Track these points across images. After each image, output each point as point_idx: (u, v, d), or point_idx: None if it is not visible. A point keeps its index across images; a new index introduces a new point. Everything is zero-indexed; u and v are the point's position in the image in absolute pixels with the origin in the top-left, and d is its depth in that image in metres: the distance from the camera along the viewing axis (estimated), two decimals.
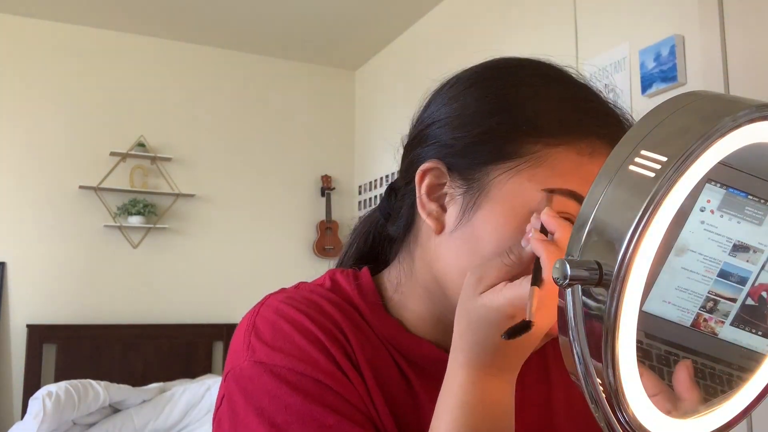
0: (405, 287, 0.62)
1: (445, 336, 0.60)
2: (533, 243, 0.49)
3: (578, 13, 2.54)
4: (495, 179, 0.54)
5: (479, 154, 0.55)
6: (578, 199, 0.52)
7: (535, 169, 0.53)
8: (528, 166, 0.53)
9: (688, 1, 2.05)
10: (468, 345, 0.51)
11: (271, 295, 0.61)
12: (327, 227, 4.28)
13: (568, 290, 0.40)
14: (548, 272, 0.46)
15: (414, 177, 0.58)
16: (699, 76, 2.00)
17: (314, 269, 4.24)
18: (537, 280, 0.47)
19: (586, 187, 0.51)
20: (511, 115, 0.55)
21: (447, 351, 0.59)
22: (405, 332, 0.60)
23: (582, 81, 0.60)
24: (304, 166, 4.31)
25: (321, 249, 4.26)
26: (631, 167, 0.40)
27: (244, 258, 4.08)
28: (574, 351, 0.39)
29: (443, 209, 0.57)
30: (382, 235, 0.69)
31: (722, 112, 0.39)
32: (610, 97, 0.61)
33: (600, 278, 0.38)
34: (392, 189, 0.66)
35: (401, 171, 0.63)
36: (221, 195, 4.09)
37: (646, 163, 0.39)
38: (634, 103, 2.25)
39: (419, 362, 0.60)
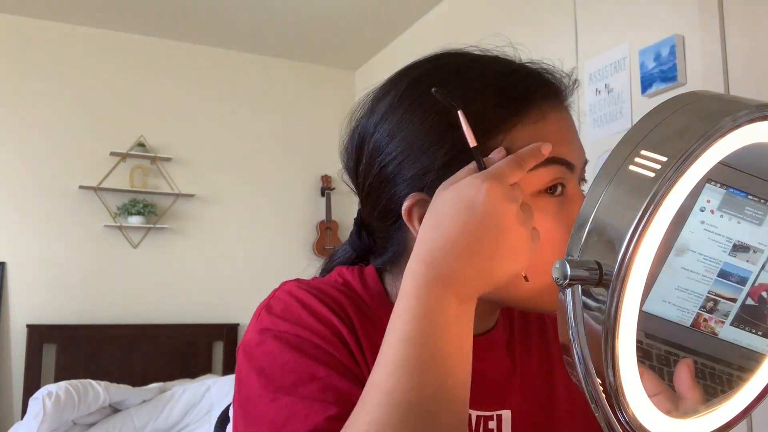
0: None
1: None
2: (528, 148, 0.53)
3: (578, 13, 2.54)
4: None
5: (455, 168, 0.55)
6: (556, 161, 0.55)
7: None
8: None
9: (688, 1, 2.05)
10: (423, 245, 0.51)
11: (287, 281, 0.64)
12: (327, 227, 4.28)
13: (568, 290, 0.40)
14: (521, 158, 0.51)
15: (398, 217, 0.59)
16: (699, 76, 2.00)
17: (314, 269, 4.21)
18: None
19: (556, 147, 0.54)
20: (458, 124, 0.56)
21: None
22: None
23: (493, 55, 0.62)
24: (304, 166, 4.31)
25: (321, 249, 4.26)
26: (631, 167, 0.40)
27: (244, 258, 4.08)
28: (574, 351, 0.39)
29: None
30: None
31: (722, 112, 0.39)
32: (520, 57, 0.62)
33: (600, 278, 0.38)
34: (363, 227, 0.68)
35: (376, 213, 0.63)
36: (221, 195, 4.09)
37: (646, 163, 0.39)
38: (634, 103, 2.25)
39: None
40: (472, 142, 0.52)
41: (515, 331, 0.68)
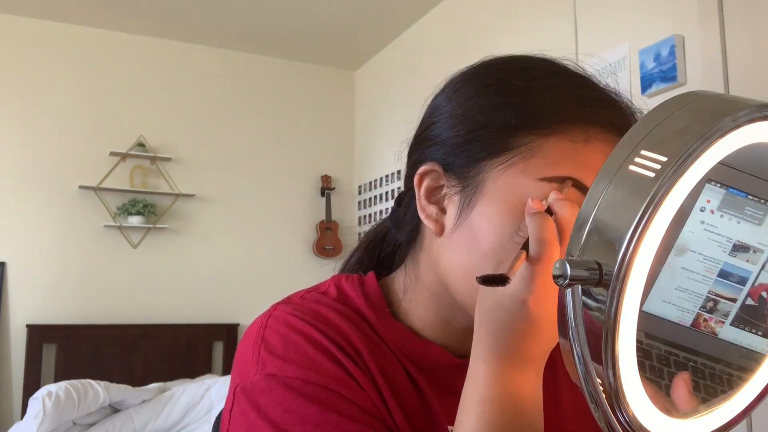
0: (412, 293, 0.61)
1: (455, 340, 0.60)
2: (526, 214, 0.48)
3: (578, 13, 2.54)
4: (489, 175, 0.54)
5: (472, 151, 0.54)
6: (577, 186, 0.52)
7: (528, 160, 0.53)
8: (520, 158, 0.53)
9: (688, 1, 2.05)
10: (487, 335, 0.49)
11: (278, 305, 0.60)
12: (327, 227, 4.28)
13: (568, 290, 0.40)
14: (542, 243, 0.46)
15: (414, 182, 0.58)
16: (699, 76, 2.00)
17: (314, 269, 4.24)
18: (525, 246, 0.46)
19: (583, 172, 0.51)
20: (501, 109, 0.55)
21: (457, 355, 0.59)
22: (414, 338, 0.59)
23: (575, 70, 0.59)
24: (304, 166, 4.31)
25: (321, 249, 4.26)
26: (631, 167, 0.39)
27: (244, 258, 4.08)
28: (574, 351, 0.39)
29: (443, 211, 0.57)
30: (390, 243, 0.68)
31: (722, 111, 0.39)
32: (609, 84, 0.59)
33: (600, 278, 0.38)
34: (400, 197, 0.65)
35: (405, 176, 0.62)
36: (221, 195, 4.09)
37: (646, 163, 0.39)
38: (634, 103, 2.24)
39: (429, 368, 0.59)
40: (508, 272, 0.47)
41: None
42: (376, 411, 0.54)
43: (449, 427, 0.55)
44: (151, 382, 3.20)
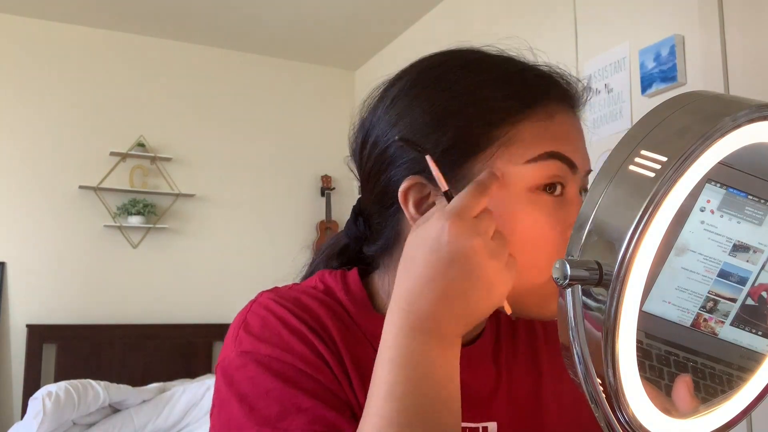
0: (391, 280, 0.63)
1: None
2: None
3: (578, 13, 2.54)
4: (474, 172, 0.56)
5: (453, 156, 0.56)
6: (557, 156, 0.54)
7: (508, 149, 0.55)
8: (503, 149, 0.55)
9: (688, 1, 2.05)
10: (401, 291, 0.50)
11: (263, 292, 0.63)
12: (327, 227, 4.28)
13: (568, 290, 0.40)
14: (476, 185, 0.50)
15: (394, 201, 0.59)
16: (699, 76, 2.00)
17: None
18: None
19: (558, 144, 0.54)
20: (466, 112, 0.57)
21: None
22: None
23: (509, 55, 0.62)
24: (304, 166, 4.31)
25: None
26: (631, 167, 0.39)
27: (244, 258, 4.08)
28: (574, 351, 0.39)
29: None
30: (346, 255, 0.70)
31: (722, 112, 0.39)
32: (539, 59, 0.63)
33: (600, 278, 0.38)
34: (359, 214, 0.67)
35: (374, 197, 0.63)
36: (221, 195, 4.09)
37: (646, 163, 0.39)
38: (634, 103, 2.25)
39: None
40: (443, 186, 0.52)
41: (502, 338, 0.67)
42: (340, 391, 0.56)
43: None
44: (151, 382, 3.19)
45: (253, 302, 0.62)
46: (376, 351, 0.56)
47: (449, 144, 0.56)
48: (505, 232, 0.52)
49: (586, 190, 0.59)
